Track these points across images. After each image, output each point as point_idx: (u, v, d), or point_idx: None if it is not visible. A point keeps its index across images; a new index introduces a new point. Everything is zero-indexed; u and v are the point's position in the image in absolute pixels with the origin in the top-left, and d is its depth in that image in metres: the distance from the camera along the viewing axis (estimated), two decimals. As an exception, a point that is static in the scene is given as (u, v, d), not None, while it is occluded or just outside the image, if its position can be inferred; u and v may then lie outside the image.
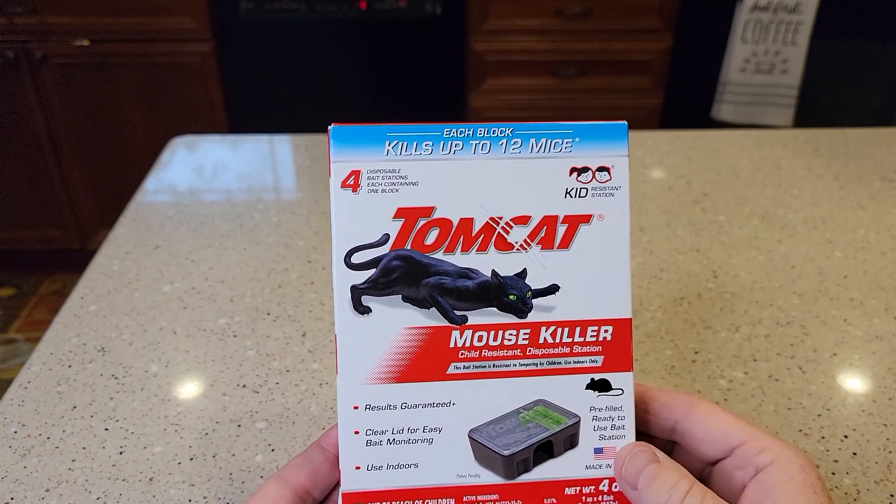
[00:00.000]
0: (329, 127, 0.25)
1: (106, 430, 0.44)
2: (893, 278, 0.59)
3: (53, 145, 1.68)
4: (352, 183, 0.25)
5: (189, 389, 0.47)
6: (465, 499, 0.27)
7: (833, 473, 0.41)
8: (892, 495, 0.40)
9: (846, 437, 0.44)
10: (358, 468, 0.26)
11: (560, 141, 0.26)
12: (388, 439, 0.26)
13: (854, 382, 0.48)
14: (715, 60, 1.66)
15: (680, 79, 1.71)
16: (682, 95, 1.74)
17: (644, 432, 0.31)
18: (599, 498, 0.28)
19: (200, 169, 0.77)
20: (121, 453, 0.42)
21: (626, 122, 0.26)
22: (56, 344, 0.51)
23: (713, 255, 0.62)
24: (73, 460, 0.42)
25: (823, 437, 0.44)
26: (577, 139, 0.26)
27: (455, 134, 0.25)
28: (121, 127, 1.68)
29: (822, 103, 1.70)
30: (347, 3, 1.59)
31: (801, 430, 0.44)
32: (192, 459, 0.42)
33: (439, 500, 0.27)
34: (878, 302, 0.56)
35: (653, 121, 1.75)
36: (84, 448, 0.43)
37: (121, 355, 0.50)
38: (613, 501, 0.28)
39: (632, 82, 1.71)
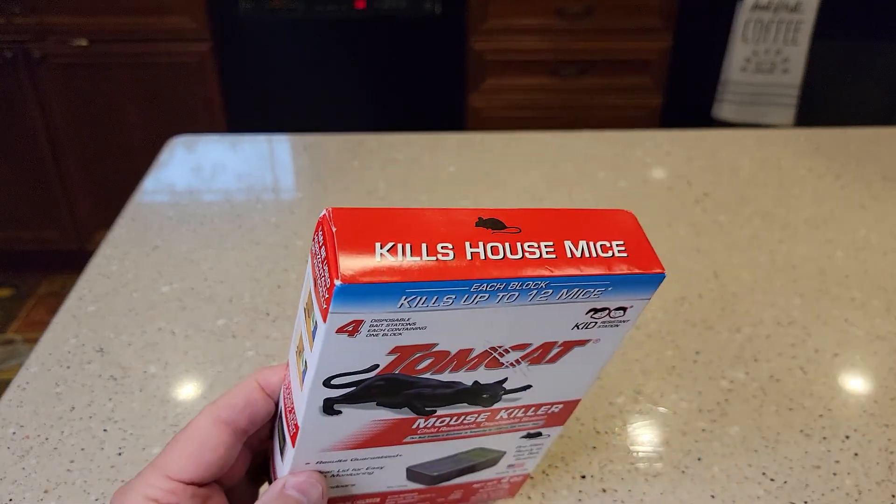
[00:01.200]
0: (335, 282, 0.19)
1: (104, 431, 0.44)
2: (894, 278, 0.59)
3: (52, 145, 1.68)
4: (350, 329, 0.21)
5: (188, 390, 0.47)
6: (388, 499, 0.31)
7: (834, 474, 0.41)
8: (893, 496, 0.40)
9: (847, 437, 0.44)
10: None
11: (592, 290, 0.22)
12: (333, 473, 0.28)
13: (855, 383, 0.48)
14: (716, 60, 1.66)
15: (680, 78, 1.71)
16: (683, 95, 1.73)
17: None
18: (498, 485, 0.34)
19: (199, 169, 0.77)
20: (119, 454, 0.42)
21: (664, 273, 0.23)
22: (54, 345, 0.51)
23: (714, 255, 0.62)
24: (71, 461, 0.42)
25: (825, 438, 0.44)
26: (609, 288, 0.22)
27: (485, 288, 0.21)
28: (119, 127, 1.68)
29: (823, 103, 1.70)
30: (347, 2, 1.59)
31: (802, 431, 0.44)
32: (190, 461, 0.41)
33: (367, 500, 0.31)
34: (879, 302, 0.56)
35: (653, 120, 1.75)
36: (83, 449, 0.42)
37: (119, 356, 0.50)
38: (507, 486, 0.34)
39: (632, 82, 1.71)
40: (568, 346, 0.25)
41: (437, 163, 0.77)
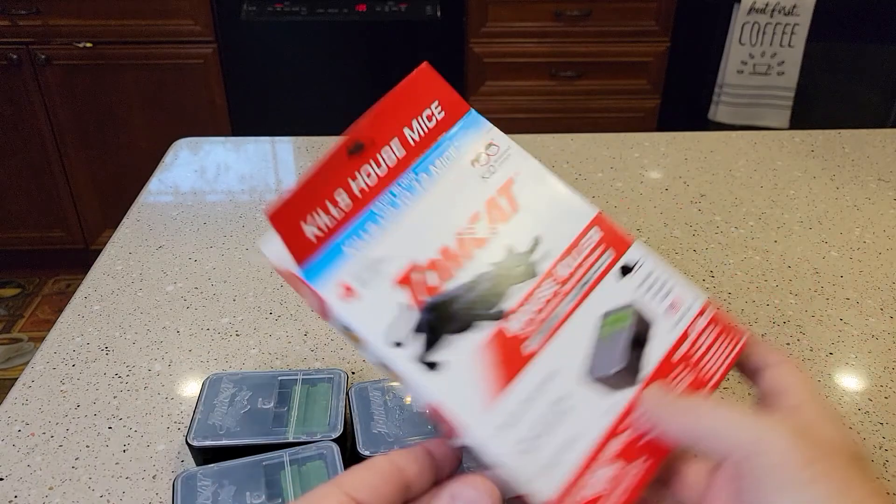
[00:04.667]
0: (300, 273, 0.25)
1: (109, 428, 0.44)
2: (889, 278, 0.59)
3: (57, 147, 1.69)
4: (345, 292, 0.25)
5: (192, 388, 0.48)
6: (619, 427, 0.27)
7: (826, 470, 0.42)
8: (887, 493, 0.41)
9: (840, 434, 0.44)
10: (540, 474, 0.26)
11: (443, 151, 0.29)
12: (535, 436, 0.26)
13: (850, 381, 0.49)
14: (712, 62, 1.67)
15: (677, 81, 1.71)
16: (680, 97, 1.74)
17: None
18: (701, 334, 0.29)
19: (203, 170, 0.77)
20: (124, 451, 0.43)
21: (471, 109, 0.30)
22: (60, 343, 0.52)
23: (710, 256, 0.62)
24: (76, 458, 0.42)
25: (817, 435, 0.44)
26: (449, 143, 0.29)
27: (384, 205, 0.27)
28: (124, 128, 1.69)
29: (819, 105, 1.71)
30: (348, 5, 1.60)
31: (795, 428, 0.45)
32: (194, 456, 0.42)
33: (609, 442, 0.27)
34: (873, 301, 0.57)
35: (650, 122, 1.76)
36: (87, 446, 0.43)
37: (124, 354, 0.50)
38: (710, 324, 0.30)
39: (629, 84, 1.71)
40: (500, 194, 0.29)
41: (437, 164, 0.78)
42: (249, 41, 1.63)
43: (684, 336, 0.29)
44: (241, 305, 0.55)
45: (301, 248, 0.25)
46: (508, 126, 1.48)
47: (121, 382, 0.48)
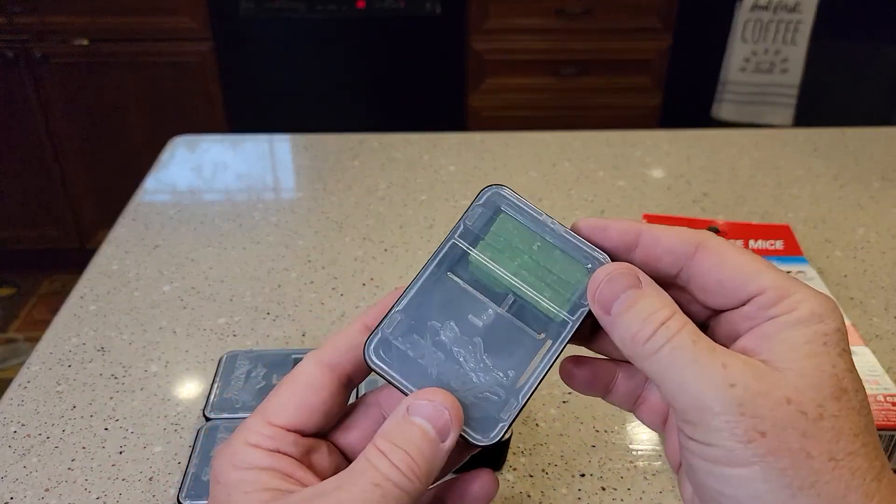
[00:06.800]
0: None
1: (106, 429, 0.44)
2: (893, 277, 0.59)
3: (53, 145, 1.68)
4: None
5: (189, 389, 0.47)
6: None
7: (833, 473, 0.42)
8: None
9: (846, 436, 0.44)
10: None
11: None
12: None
13: (854, 382, 0.48)
14: (715, 60, 1.66)
15: (680, 78, 1.71)
16: (682, 95, 1.74)
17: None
18: None
19: (200, 168, 0.77)
20: (120, 453, 0.42)
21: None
22: (56, 343, 0.51)
23: (713, 255, 0.62)
24: (72, 460, 0.42)
25: (823, 437, 0.44)
26: None
27: None
28: (120, 126, 1.68)
29: (822, 102, 1.70)
30: (347, 2, 1.59)
31: (800, 430, 0.44)
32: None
33: None
34: (877, 301, 0.56)
35: (652, 120, 1.75)
36: (84, 448, 0.43)
37: (120, 355, 0.50)
38: None
39: (632, 82, 1.71)
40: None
41: (437, 162, 0.77)
42: (247, 38, 1.62)
43: None
44: (239, 305, 0.55)
45: None
46: (509, 124, 1.47)
47: (117, 383, 0.47)
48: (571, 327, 0.26)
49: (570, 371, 0.27)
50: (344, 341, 0.26)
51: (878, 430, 0.39)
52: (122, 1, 1.56)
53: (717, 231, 0.58)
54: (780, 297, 0.23)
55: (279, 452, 0.24)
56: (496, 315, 0.26)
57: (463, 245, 0.26)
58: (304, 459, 0.24)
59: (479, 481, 0.26)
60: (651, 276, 0.25)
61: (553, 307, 0.26)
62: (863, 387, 0.22)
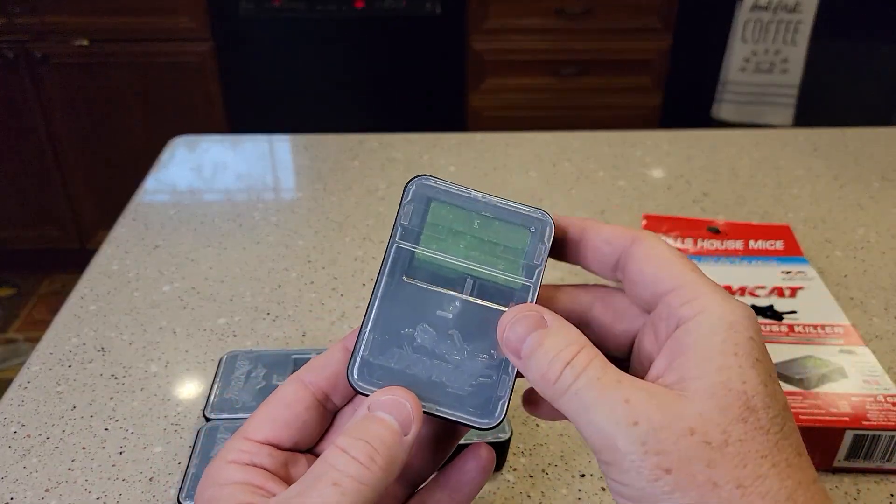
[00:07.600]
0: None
1: (106, 430, 0.44)
2: (893, 277, 0.59)
3: (53, 145, 1.68)
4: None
5: (189, 389, 0.47)
6: None
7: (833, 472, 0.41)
8: (892, 494, 0.40)
9: (846, 436, 0.44)
10: None
11: None
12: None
13: (854, 382, 0.48)
14: (715, 60, 1.66)
15: (680, 78, 1.71)
16: (682, 95, 1.74)
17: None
18: None
19: (200, 168, 0.77)
20: (121, 453, 0.42)
21: None
22: (56, 344, 0.51)
23: (713, 255, 0.62)
24: (72, 460, 0.42)
25: (823, 437, 0.44)
26: None
27: None
28: (120, 126, 1.68)
29: (822, 103, 1.70)
30: (347, 2, 1.59)
31: (800, 430, 0.44)
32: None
33: None
34: (877, 301, 0.56)
35: (652, 120, 1.75)
36: (84, 448, 0.43)
37: (120, 355, 0.50)
38: None
39: (632, 82, 1.71)
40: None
41: (437, 162, 0.77)
42: (247, 38, 1.62)
43: None
44: (239, 305, 0.55)
45: None
46: (509, 124, 1.47)
47: (117, 384, 0.47)
48: (534, 289, 0.26)
49: (535, 399, 0.27)
50: (322, 361, 0.27)
51: (879, 430, 0.39)
52: (122, 1, 1.56)
53: (717, 231, 0.58)
54: (691, 297, 0.23)
55: (254, 465, 0.25)
56: (462, 302, 0.26)
57: (407, 246, 0.26)
58: (282, 472, 0.25)
59: (473, 456, 0.27)
60: (597, 267, 0.27)
61: (511, 276, 0.26)
62: (779, 398, 0.22)
